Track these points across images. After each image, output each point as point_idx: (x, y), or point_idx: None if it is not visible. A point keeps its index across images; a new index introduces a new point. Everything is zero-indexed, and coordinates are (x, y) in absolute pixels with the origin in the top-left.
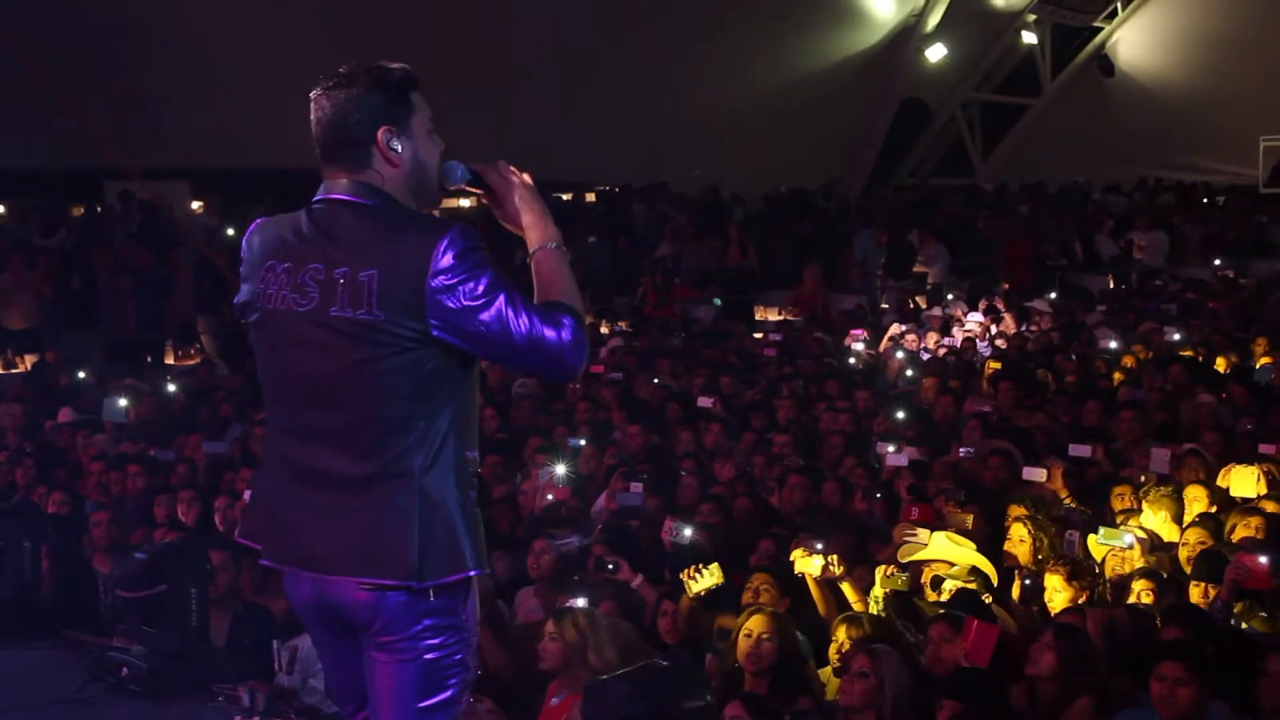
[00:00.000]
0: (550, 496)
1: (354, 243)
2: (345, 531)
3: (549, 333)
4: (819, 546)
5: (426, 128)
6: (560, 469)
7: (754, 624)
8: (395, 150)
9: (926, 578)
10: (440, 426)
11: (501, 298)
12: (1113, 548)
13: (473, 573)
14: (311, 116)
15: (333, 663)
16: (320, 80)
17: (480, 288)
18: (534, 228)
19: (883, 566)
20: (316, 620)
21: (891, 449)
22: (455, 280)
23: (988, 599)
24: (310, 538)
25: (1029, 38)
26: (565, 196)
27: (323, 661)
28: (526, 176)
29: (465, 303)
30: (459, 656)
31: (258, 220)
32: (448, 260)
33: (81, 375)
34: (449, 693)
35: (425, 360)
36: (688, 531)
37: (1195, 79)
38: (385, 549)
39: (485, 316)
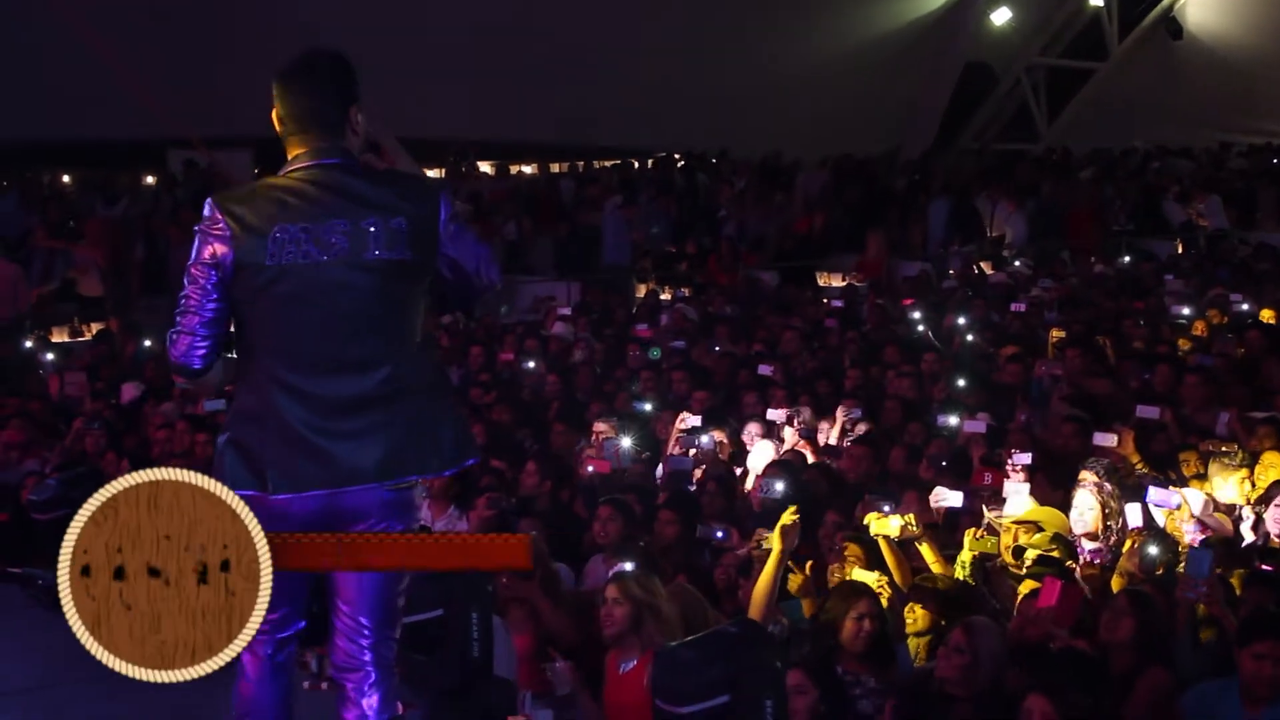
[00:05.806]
0: (590, 468)
1: (371, 198)
2: (389, 441)
3: (485, 248)
4: (887, 508)
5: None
6: (626, 442)
7: (864, 607)
8: (359, 121)
9: (1007, 542)
10: (430, 339)
11: (468, 230)
12: (1170, 511)
13: (474, 460)
14: (280, 98)
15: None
16: (286, 68)
17: (460, 225)
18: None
19: (971, 530)
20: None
21: (954, 420)
22: (454, 222)
23: (1071, 565)
24: (352, 456)
25: (1096, 0)
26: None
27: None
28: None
29: (460, 237)
30: None
31: (218, 195)
32: (450, 208)
33: (148, 344)
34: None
35: (427, 287)
36: (779, 486)
37: (1265, 41)
38: (429, 447)
39: (467, 246)
